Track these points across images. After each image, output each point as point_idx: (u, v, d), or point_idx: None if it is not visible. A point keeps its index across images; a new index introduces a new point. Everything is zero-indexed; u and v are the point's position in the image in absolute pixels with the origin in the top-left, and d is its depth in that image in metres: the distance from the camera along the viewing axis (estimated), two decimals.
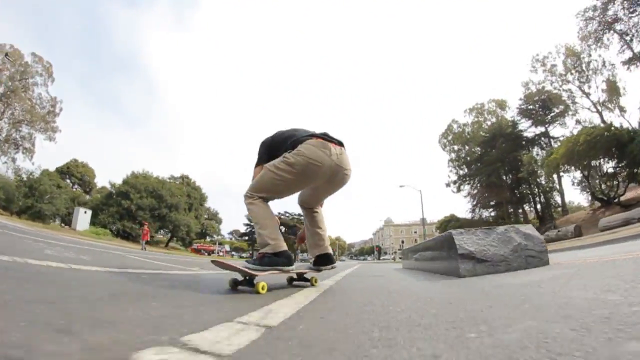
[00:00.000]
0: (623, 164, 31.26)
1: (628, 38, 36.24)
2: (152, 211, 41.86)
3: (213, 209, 61.51)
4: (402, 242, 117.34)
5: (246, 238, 79.04)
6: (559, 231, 29.15)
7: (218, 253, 57.86)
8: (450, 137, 60.91)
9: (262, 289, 2.70)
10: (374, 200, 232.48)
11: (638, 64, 36.37)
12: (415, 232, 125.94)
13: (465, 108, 60.27)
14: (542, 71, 47.89)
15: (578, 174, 38.54)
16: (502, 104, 57.68)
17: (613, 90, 40.29)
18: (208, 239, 63.68)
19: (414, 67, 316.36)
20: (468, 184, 59.42)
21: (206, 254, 49.30)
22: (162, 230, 47.88)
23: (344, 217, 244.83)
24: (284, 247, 3.09)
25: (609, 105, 41.64)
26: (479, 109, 58.92)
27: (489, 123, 58.01)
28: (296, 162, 2.99)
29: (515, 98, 54.81)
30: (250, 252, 71.07)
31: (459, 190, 59.64)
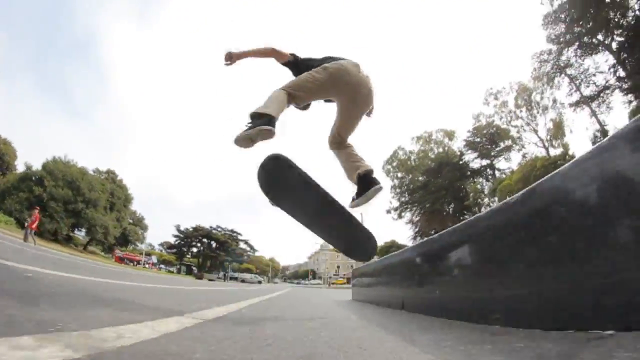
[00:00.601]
0: None
1: (577, 82, 38.78)
2: (66, 204, 36.22)
3: (139, 213, 55.55)
4: (338, 267, 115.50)
5: (174, 251, 73.15)
6: None
7: (144, 264, 54.56)
8: (395, 164, 60.73)
9: None
10: None
11: (584, 106, 38.94)
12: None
13: (412, 136, 60.57)
14: (494, 106, 49.99)
15: None
16: (450, 135, 58.43)
17: (559, 129, 42.83)
18: (130, 247, 57.40)
19: None
20: (410, 211, 59.52)
21: (132, 264, 46.00)
22: (77, 230, 41.58)
23: (279, 239, 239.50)
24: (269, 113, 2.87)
25: (554, 144, 43.88)
26: (426, 138, 59.19)
27: (435, 152, 58.40)
28: (329, 67, 3.17)
29: (463, 129, 56.33)
30: (178, 266, 65.77)
31: (400, 217, 59.62)
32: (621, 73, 34.97)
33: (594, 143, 34.56)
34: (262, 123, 2.75)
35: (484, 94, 50.46)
